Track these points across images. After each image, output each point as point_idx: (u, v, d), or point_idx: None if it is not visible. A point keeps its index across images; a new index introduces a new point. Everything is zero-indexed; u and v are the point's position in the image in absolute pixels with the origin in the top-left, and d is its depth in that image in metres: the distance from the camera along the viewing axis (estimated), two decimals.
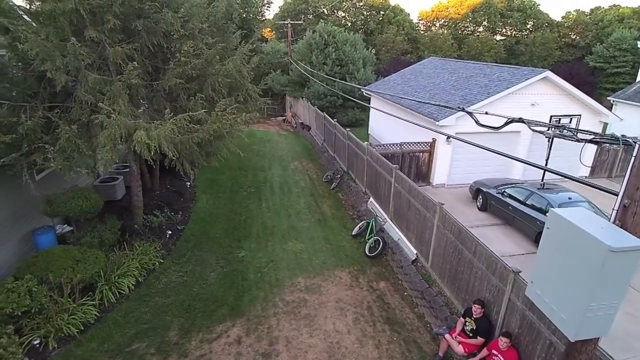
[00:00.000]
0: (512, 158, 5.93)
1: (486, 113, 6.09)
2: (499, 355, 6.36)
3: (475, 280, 7.53)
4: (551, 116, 12.49)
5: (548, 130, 4.72)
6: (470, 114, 6.15)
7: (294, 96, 28.31)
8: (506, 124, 5.43)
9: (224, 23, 10.09)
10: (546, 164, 13.66)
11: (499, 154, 5.74)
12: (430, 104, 9.74)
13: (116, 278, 8.56)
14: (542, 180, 12.51)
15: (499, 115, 5.58)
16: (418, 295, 8.96)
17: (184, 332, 7.88)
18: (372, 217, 11.73)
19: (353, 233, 11.94)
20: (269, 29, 46.32)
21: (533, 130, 5.04)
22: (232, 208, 13.50)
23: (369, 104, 21.32)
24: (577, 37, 48.27)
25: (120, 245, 9.64)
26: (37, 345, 7.09)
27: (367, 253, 10.81)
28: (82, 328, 7.53)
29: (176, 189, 13.92)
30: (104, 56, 8.28)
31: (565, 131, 4.66)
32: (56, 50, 7.38)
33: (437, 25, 49.15)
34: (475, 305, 7.01)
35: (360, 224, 12.02)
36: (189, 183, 14.75)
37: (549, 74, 14.03)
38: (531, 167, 15.73)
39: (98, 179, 12.78)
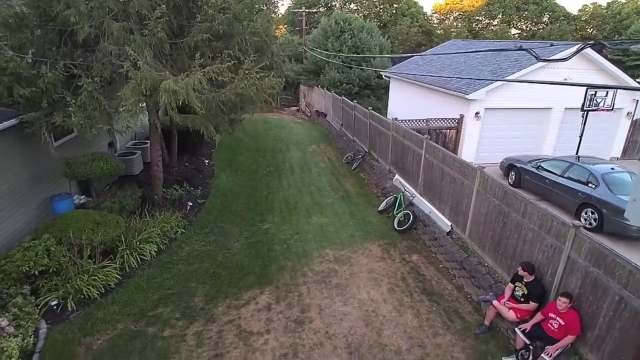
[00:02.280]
0: (555, 84, 5.35)
1: (551, 45, 5.52)
2: (557, 318, 5.80)
3: (524, 244, 6.96)
4: (587, 88, 11.86)
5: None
6: (529, 51, 5.60)
7: (309, 85, 27.85)
8: (578, 50, 4.88)
9: None
10: (580, 140, 13.13)
11: (550, 83, 5.19)
12: (481, 51, 9.09)
13: (137, 243, 8.13)
14: (577, 153, 11.95)
15: (572, 43, 5.02)
16: (456, 266, 8.40)
17: (209, 298, 7.41)
18: (399, 192, 11.19)
19: (379, 209, 11.42)
20: (281, 25, 45.95)
21: (610, 48, 4.47)
22: (253, 185, 13.06)
23: (388, 88, 20.85)
24: (594, 31, 47.30)
25: (141, 213, 9.22)
26: (55, 307, 6.66)
27: (396, 227, 10.27)
28: (103, 291, 7.11)
29: (194, 167, 13.51)
30: (127, 10, 7.87)
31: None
32: None
33: (451, 18, 48.50)
34: (520, 268, 6.46)
35: (387, 200, 11.49)
36: (207, 161, 14.34)
37: None
38: (562, 145, 15.06)
39: (115, 153, 12.42)
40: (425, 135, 10.63)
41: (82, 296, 6.80)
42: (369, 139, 15.40)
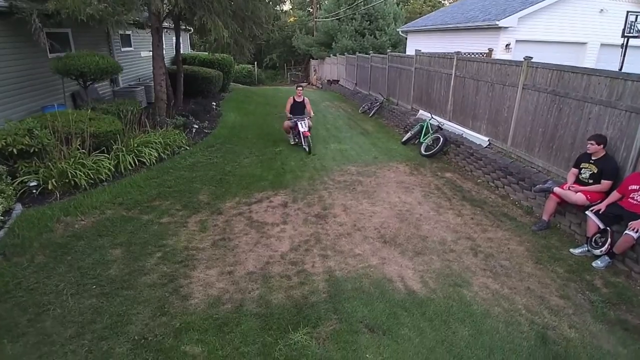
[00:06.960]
0: None
1: None
2: None
3: (587, 125, 5.83)
4: (628, 11, 10.73)
5: None
6: None
7: (320, 56, 26.90)
8: None
9: None
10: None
11: None
12: None
13: (136, 146, 7.15)
14: None
15: None
16: (499, 175, 7.26)
17: (216, 196, 6.40)
18: (425, 121, 10.09)
19: (403, 140, 10.35)
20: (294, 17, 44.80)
21: None
22: (263, 122, 12.10)
23: (405, 47, 19.86)
24: None
25: (139, 123, 8.21)
26: (34, 191, 5.67)
27: (424, 152, 9.19)
28: (92, 181, 6.12)
29: (202, 107, 12.56)
30: None
31: None
32: None
33: None
34: (590, 142, 5.33)
35: (411, 130, 10.41)
36: (214, 104, 13.37)
37: None
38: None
39: (117, 87, 11.53)
40: (457, 51, 9.55)
41: (67, 181, 5.81)
42: (387, 85, 14.33)
